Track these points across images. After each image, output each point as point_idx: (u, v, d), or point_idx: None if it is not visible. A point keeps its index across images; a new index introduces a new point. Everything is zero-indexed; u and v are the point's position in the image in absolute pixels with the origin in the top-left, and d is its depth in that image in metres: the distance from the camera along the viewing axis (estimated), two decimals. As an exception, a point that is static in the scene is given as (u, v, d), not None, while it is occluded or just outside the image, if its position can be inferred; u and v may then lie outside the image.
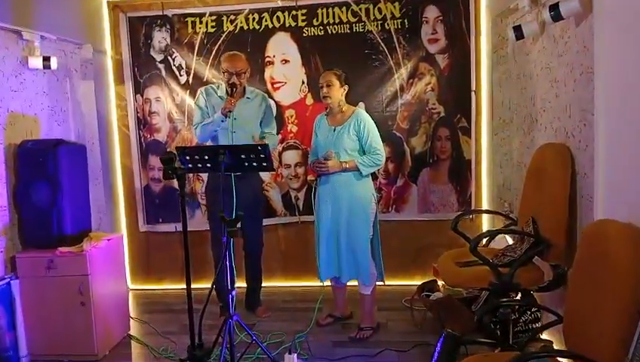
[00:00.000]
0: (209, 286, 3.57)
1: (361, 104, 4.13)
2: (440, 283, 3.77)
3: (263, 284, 4.02)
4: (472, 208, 4.22)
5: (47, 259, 3.16)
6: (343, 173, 3.29)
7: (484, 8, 4.05)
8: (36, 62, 3.40)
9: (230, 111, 3.40)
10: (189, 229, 4.26)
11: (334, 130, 3.35)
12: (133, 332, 3.70)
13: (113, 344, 3.45)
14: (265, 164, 3.00)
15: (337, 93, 3.30)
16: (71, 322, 3.18)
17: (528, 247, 2.69)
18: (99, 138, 4.19)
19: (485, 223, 4.22)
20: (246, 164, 2.98)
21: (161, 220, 4.46)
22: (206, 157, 2.98)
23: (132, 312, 4.00)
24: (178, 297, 4.30)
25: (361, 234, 3.30)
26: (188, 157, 3.02)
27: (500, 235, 3.70)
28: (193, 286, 4.33)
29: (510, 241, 3.25)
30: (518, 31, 3.08)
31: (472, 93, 4.14)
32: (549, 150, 2.83)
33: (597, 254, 1.92)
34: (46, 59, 3.41)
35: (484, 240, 3.28)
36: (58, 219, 3.23)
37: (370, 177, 3.42)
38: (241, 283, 3.91)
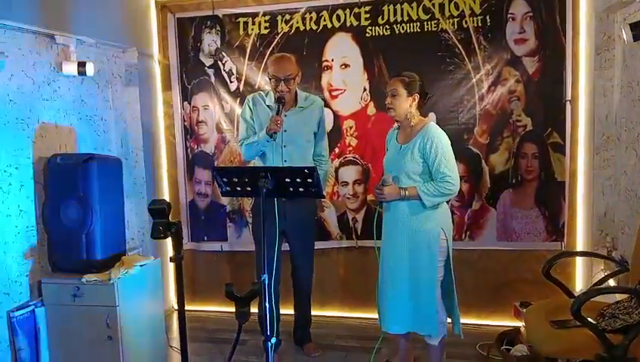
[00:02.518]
0: (256, 310, 3.22)
1: (432, 115, 3.58)
2: (523, 330, 3.15)
3: (315, 313, 3.57)
4: (565, 239, 3.55)
5: (74, 286, 2.87)
6: (404, 202, 2.73)
7: (585, 2, 3.37)
8: (70, 67, 3.11)
9: (276, 133, 2.96)
10: (236, 249, 4.07)
11: (400, 148, 2.81)
12: (170, 364, 3.37)
13: (146, 380, 3.12)
14: (313, 190, 2.52)
15: (404, 104, 2.74)
16: (97, 357, 2.86)
17: (650, 312, 2.06)
18: (143, 149, 3.88)
19: (580, 262, 3.52)
20: (291, 188, 2.52)
21: (206, 238, 4.11)
22: (246, 180, 2.55)
23: (174, 335, 3.73)
24: (222, 323, 3.98)
25: (426, 277, 2.72)
26: (226, 180, 2.60)
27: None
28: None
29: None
30: (636, 29, 2.43)
31: (567, 104, 3.46)
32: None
33: None
34: (81, 64, 3.12)
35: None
36: (87, 243, 2.91)
37: (445, 206, 2.81)
38: (289, 310, 3.48)
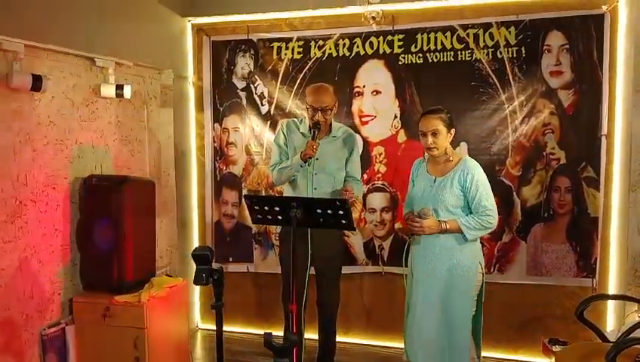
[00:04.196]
0: (281, 333, 3.20)
1: (463, 144, 3.56)
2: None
3: (339, 339, 3.54)
4: (597, 276, 3.47)
5: (104, 306, 2.91)
6: (442, 235, 2.68)
7: (624, 36, 3.31)
8: (109, 90, 3.18)
9: (311, 158, 2.97)
10: (262, 271, 4.07)
11: (434, 180, 2.77)
12: (193, 386, 3.38)
13: (170, 401, 3.13)
14: (344, 222, 2.51)
15: (444, 141, 2.70)
16: (123, 378, 2.89)
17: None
18: (175, 168, 3.93)
19: (612, 303, 3.43)
20: (321, 219, 2.52)
21: (231, 259, 4.12)
22: (276, 209, 2.57)
23: (198, 355, 3.77)
24: (247, 344, 3.97)
25: (462, 312, 2.67)
26: (257, 208, 2.62)
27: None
28: (264, 331, 4.06)
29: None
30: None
31: (603, 138, 3.40)
32: None
33: None
34: (119, 87, 3.19)
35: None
36: (119, 264, 2.96)
37: (479, 240, 2.77)
38: (312, 335, 3.46)
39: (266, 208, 2.59)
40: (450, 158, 2.75)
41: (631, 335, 2.37)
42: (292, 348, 2.16)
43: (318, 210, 2.50)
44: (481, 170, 2.72)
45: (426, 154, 2.87)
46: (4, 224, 2.61)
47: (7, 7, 2.50)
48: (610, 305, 3.44)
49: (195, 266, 2.12)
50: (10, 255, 2.65)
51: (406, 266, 2.91)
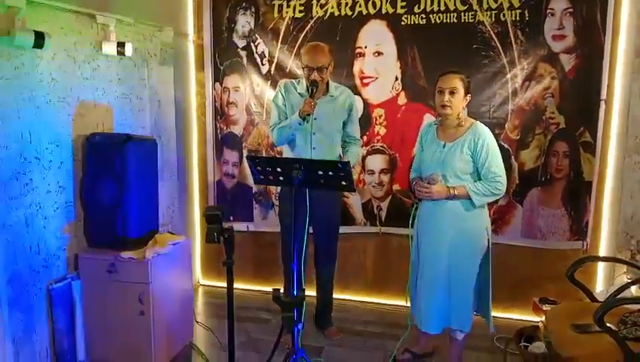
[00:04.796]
0: (281, 289, 3.30)
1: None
2: (542, 328, 3.20)
3: (336, 296, 3.65)
4: (588, 239, 3.56)
5: (109, 262, 2.98)
6: (450, 200, 2.71)
7: (628, 2, 3.29)
8: (110, 48, 3.16)
9: (309, 115, 2.99)
10: (262, 229, 4.15)
11: (444, 145, 2.77)
12: (196, 339, 3.49)
13: (174, 353, 3.25)
14: (344, 183, 2.56)
15: (460, 103, 2.70)
16: (129, 331, 2.98)
17: (674, 323, 2.09)
18: (176, 127, 3.95)
19: (602, 266, 3.53)
20: (322, 181, 2.56)
21: (232, 218, 4.19)
22: (279, 170, 2.61)
23: (199, 310, 3.84)
24: (246, 300, 4.11)
25: (465, 274, 2.75)
26: (259, 168, 2.66)
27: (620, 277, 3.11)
28: (264, 288, 4.19)
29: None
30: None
31: (602, 103, 3.42)
32: None
33: None
34: (120, 45, 3.16)
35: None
36: (123, 221, 3.00)
37: (486, 206, 2.81)
38: (311, 292, 3.55)
39: (268, 169, 2.63)
40: (462, 124, 2.75)
41: (619, 296, 2.47)
42: (299, 303, 2.25)
43: (320, 172, 2.54)
44: (492, 136, 2.73)
45: (436, 119, 2.88)
46: (10, 181, 2.64)
47: (7, -39, 2.47)
48: (600, 266, 3.56)
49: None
50: (16, 211, 2.69)
51: (412, 228, 2.96)
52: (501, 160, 2.73)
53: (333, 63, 3.20)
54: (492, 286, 3.53)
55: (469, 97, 2.74)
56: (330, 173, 2.51)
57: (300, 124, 3.04)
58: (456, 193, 2.69)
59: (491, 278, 2.83)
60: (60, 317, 2.94)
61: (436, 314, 2.80)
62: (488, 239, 2.78)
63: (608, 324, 2.11)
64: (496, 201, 3.65)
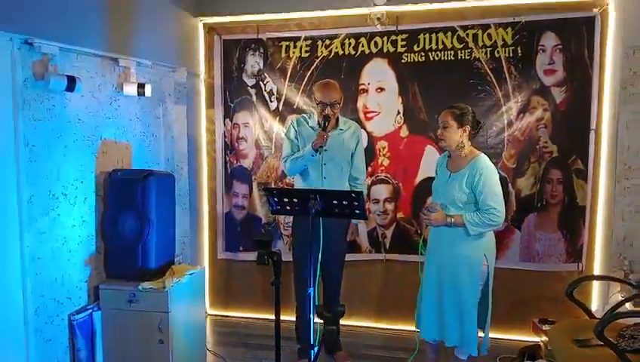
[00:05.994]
0: (288, 318, 3.40)
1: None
2: (543, 347, 3.34)
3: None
4: (583, 261, 3.73)
5: (130, 292, 3.10)
6: (450, 228, 2.88)
7: (613, 38, 3.55)
8: (131, 89, 3.36)
9: (322, 147, 3.18)
10: (257, 263, 4.23)
11: (449, 175, 2.95)
12: (209, 367, 3.60)
13: (190, 381, 3.35)
14: (358, 212, 2.73)
15: (454, 135, 2.88)
16: (149, 359, 3.09)
17: (669, 336, 2.25)
18: (188, 162, 4.13)
19: (597, 284, 3.70)
20: (337, 210, 2.73)
21: (241, 248, 4.33)
22: (295, 200, 2.78)
23: (208, 339, 3.92)
24: (255, 328, 4.23)
25: (466, 296, 2.89)
26: (276, 199, 2.82)
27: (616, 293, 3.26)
28: (270, 316, 4.23)
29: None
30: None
31: (592, 133, 3.65)
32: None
33: None
34: (140, 86, 3.37)
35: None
36: (143, 253, 3.14)
37: (491, 233, 2.96)
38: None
39: (285, 200, 2.79)
40: (464, 155, 2.92)
41: (615, 312, 2.62)
42: (340, 317, 2.39)
43: (335, 201, 2.70)
44: (493, 168, 2.89)
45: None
46: (40, 217, 2.79)
47: (41, 11, 2.68)
48: (595, 286, 3.72)
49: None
50: (45, 245, 2.83)
51: (422, 255, 3.10)
52: (500, 192, 2.87)
53: (343, 99, 3.41)
54: (493, 309, 3.68)
55: (467, 129, 2.89)
56: (345, 202, 2.68)
57: (312, 155, 3.23)
58: (453, 221, 2.86)
59: (491, 303, 2.96)
60: (82, 347, 3.05)
61: (431, 323, 2.97)
62: (488, 266, 2.91)
63: (608, 338, 2.26)
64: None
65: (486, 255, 2.91)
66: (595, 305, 3.63)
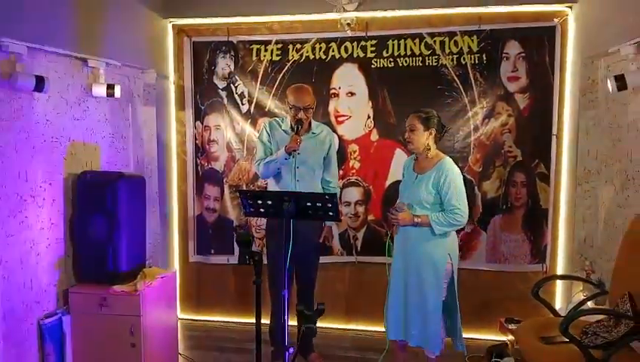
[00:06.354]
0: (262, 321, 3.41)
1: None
2: (510, 345, 3.45)
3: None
4: (547, 261, 3.88)
5: (101, 296, 3.06)
6: (416, 228, 2.99)
7: (572, 47, 3.71)
8: (100, 90, 3.32)
9: (295, 151, 3.21)
10: (238, 262, 4.25)
11: (416, 177, 3.06)
12: (181, 371, 3.58)
13: (162, 385, 3.32)
14: (331, 214, 2.77)
15: (421, 138, 3.00)
16: (120, 362, 3.06)
17: (627, 331, 2.37)
18: (157, 164, 4.09)
19: (561, 282, 3.85)
20: (310, 212, 2.77)
21: (213, 251, 4.32)
22: (269, 202, 2.80)
23: (180, 345, 3.87)
24: (228, 331, 4.23)
25: (431, 296, 2.98)
26: (250, 201, 2.84)
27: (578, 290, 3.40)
28: (243, 319, 4.28)
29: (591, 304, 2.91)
30: (620, 81, 2.76)
31: (554, 138, 3.80)
32: (657, 221, 2.49)
33: None
34: (110, 87, 3.33)
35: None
36: (114, 256, 3.11)
37: (454, 233, 3.08)
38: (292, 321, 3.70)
39: (259, 202, 2.81)
40: (429, 157, 3.03)
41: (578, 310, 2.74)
42: (320, 315, 2.42)
43: (308, 203, 2.74)
44: (457, 171, 3.01)
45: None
46: (7, 219, 2.72)
47: (10, 11, 2.63)
48: (559, 286, 3.86)
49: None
50: (12, 248, 2.77)
51: (389, 256, 3.18)
52: (464, 194, 2.99)
53: (316, 103, 3.46)
54: (461, 309, 3.78)
55: (432, 132, 3.00)
56: (319, 204, 2.72)
57: (286, 159, 3.25)
58: (419, 221, 2.97)
59: (458, 301, 3.06)
60: (51, 352, 2.99)
61: (396, 322, 3.08)
62: (452, 264, 3.02)
63: (572, 334, 2.37)
64: (463, 229, 3.93)
65: (450, 254, 3.02)
66: (559, 304, 3.77)
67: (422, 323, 3.00)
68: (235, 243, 4.24)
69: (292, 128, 3.34)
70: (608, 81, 2.91)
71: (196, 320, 4.43)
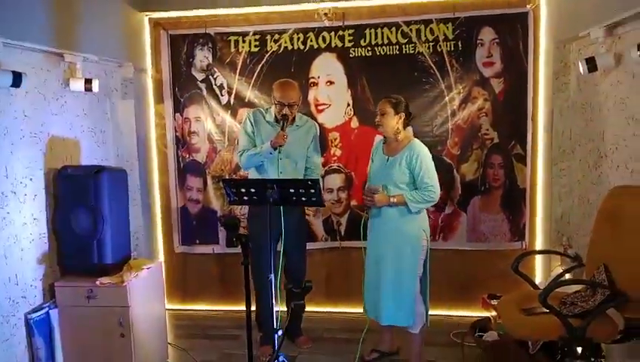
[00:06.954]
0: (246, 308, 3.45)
1: (410, 128, 3.93)
2: (493, 320, 3.56)
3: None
4: (526, 239, 4.00)
5: (87, 288, 3.06)
6: (391, 207, 3.10)
7: (545, 32, 3.80)
8: (78, 84, 3.30)
9: (281, 146, 3.25)
10: (223, 251, 4.30)
11: (387, 159, 3.18)
12: (171, 359, 3.60)
13: (151, 375, 3.34)
14: (315, 199, 2.82)
15: (391, 121, 3.12)
16: (110, 354, 3.07)
17: (603, 299, 2.47)
18: (138, 158, 4.09)
19: (540, 258, 3.97)
20: (294, 198, 2.81)
21: (197, 241, 4.34)
22: (253, 190, 2.84)
23: (169, 335, 3.90)
24: (215, 320, 4.28)
25: (408, 272, 3.10)
26: (234, 190, 2.87)
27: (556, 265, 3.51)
28: (230, 307, 4.31)
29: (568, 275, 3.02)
30: (590, 63, 2.86)
31: (529, 120, 3.90)
32: (628, 195, 2.59)
33: None
34: (87, 81, 3.31)
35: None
36: (99, 249, 3.12)
37: (425, 211, 3.21)
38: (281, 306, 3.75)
39: (242, 190, 2.85)
40: (399, 139, 3.15)
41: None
42: (308, 292, 2.47)
43: (292, 190, 2.78)
44: (427, 151, 3.14)
45: (384, 137, 3.25)
46: (-11, 215, 2.71)
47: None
48: (538, 261, 3.98)
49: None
50: (-4, 244, 2.76)
51: (364, 238, 3.28)
52: (434, 172, 3.13)
53: (301, 98, 3.50)
54: (443, 288, 3.85)
55: (402, 116, 3.12)
56: (302, 190, 2.77)
57: (270, 153, 3.29)
58: (395, 200, 3.08)
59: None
60: (40, 346, 2.99)
61: (370, 301, 3.21)
62: (427, 239, 3.15)
63: (551, 304, 2.46)
64: (443, 210, 4.03)
65: (424, 230, 3.15)
66: (538, 278, 3.89)
67: (396, 301, 3.10)
68: (219, 232, 4.27)
69: (277, 121, 3.37)
70: (579, 63, 3.00)
71: (183, 310, 4.46)
